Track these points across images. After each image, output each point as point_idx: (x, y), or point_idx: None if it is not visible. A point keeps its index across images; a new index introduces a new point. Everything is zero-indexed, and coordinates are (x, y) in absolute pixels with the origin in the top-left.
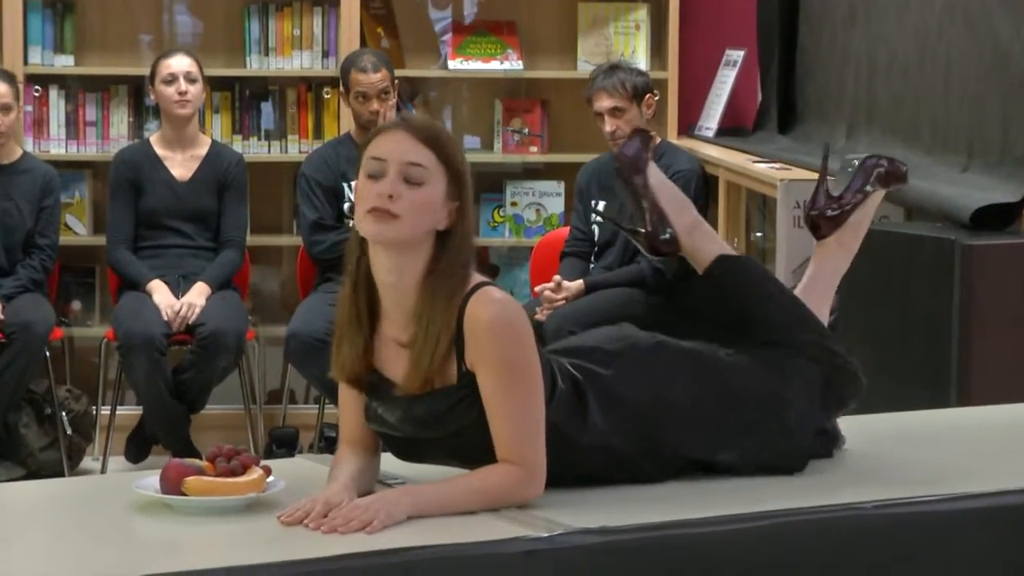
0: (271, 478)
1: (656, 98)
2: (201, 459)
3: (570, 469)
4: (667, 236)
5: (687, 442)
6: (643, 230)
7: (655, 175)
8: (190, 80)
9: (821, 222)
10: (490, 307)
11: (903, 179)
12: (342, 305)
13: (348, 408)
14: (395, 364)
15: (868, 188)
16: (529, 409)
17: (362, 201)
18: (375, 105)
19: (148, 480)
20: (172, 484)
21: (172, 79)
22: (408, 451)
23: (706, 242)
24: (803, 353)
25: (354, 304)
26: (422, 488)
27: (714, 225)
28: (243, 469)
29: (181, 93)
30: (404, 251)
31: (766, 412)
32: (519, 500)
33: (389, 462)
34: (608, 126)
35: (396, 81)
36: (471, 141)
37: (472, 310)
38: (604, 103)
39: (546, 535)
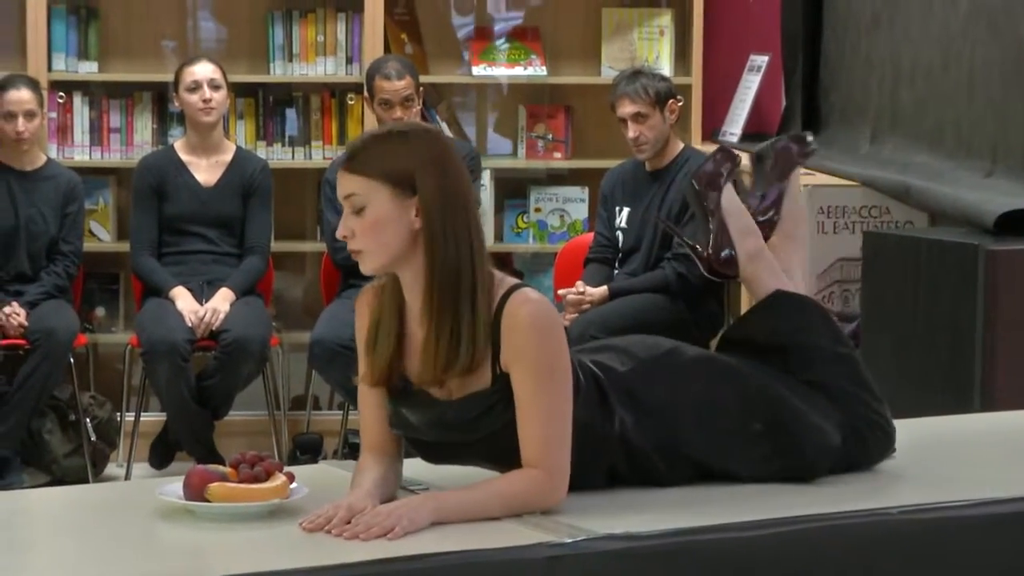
0: (294, 484)
1: (680, 103)
2: (225, 465)
3: (592, 466)
4: (728, 259)
5: (700, 444)
6: (705, 251)
7: (729, 196)
8: (214, 87)
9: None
10: (529, 306)
11: (810, 147)
12: (372, 311)
13: (369, 414)
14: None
15: (788, 169)
16: (560, 413)
17: None
18: (398, 112)
19: (171, 487)
20: (195, 490)
21: (196, 87)
22: (438, 455)
23: (766, 273)
24: (835, 398)
25: (386, 308)
26: (445, 495)
27: None
28: (266, 475)
29: (205, 101)
30: (398, 265)
31: (779, 431)
32: (542, 506)
33: (412, 468)
34: (631, 132)
35: (421, 88)
36: (503, 145)
37: (511, 310)
38: (627, 109)
39: (569, 541)
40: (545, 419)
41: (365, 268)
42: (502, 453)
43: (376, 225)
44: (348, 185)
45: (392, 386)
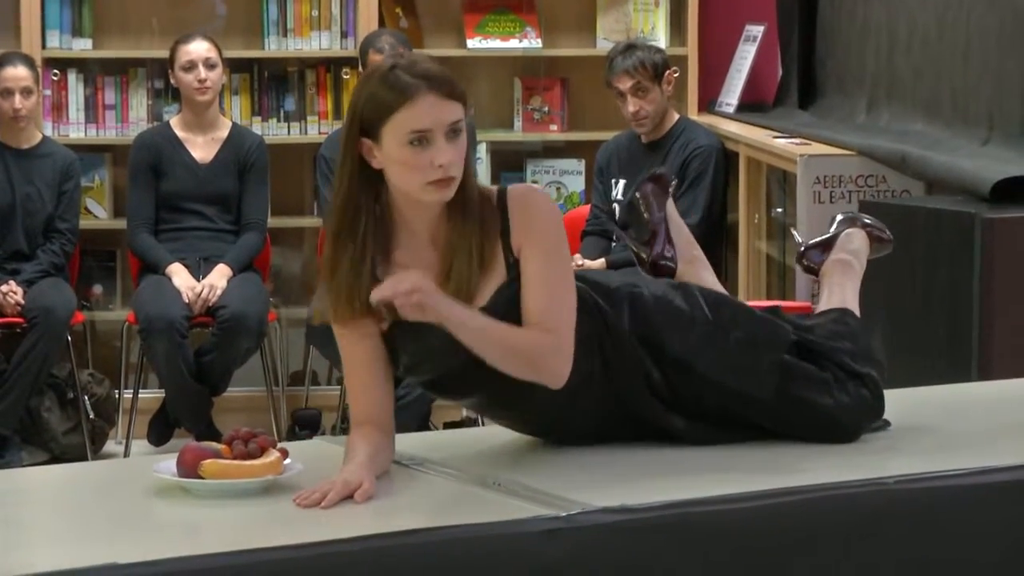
0: (288, 460)
1: (676, 74)
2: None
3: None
4: (668, 264)
5: (658, 323)
6: (648, 256)
7: (671, 209)
8: (209, 66)
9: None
10: (535, 192)
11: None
12: (340, 247)
13: (359, 388)
14: None
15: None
16: (568, 289)
17: (415, 171)
18: None
19: (166, 464)
20: (189, 467)
21: (191, 66)
22: (466, 383)
23: (704, 274)
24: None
25: (363, 241)
26: (456, 305)
27: (735, 201)
28: (260, 452)
29: (201, 81)
30: None
31: (725, 317)
32: (546, 366)
33: (407, 443)
34: (631, 106)
35: None
36: (499, 118)
37: (517, 196)
38: (627, 83)
39: (565, 514)
40: (557, 291)
41: (448, 195)
42: None
43: (464, 149)
44: (456, 111)
45: (399, 331)
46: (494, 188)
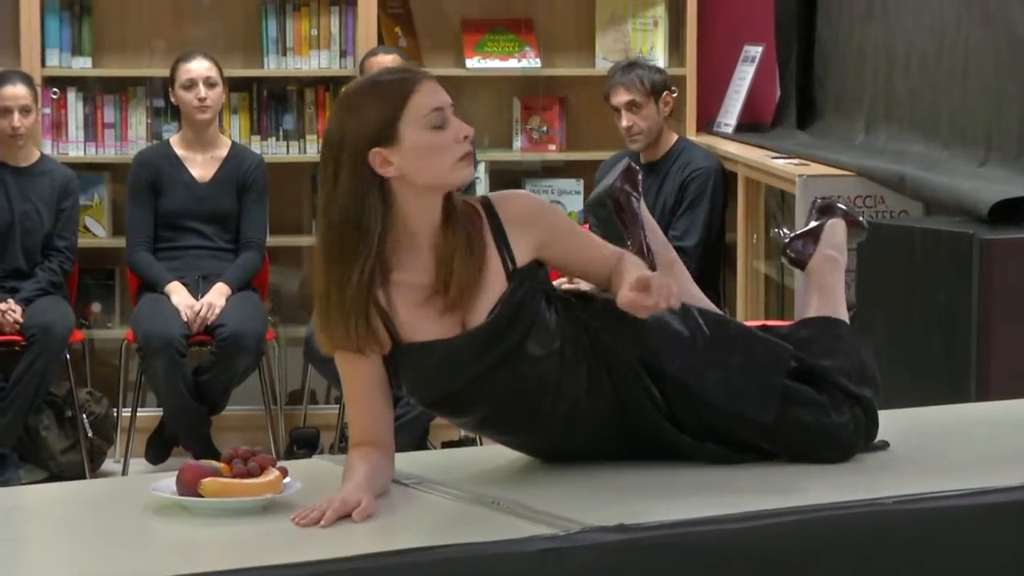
0: (287, 479)
1: (674, 96)
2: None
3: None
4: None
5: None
6: None
7: (645, 213)
8: (209, 85)
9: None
10: (520, 195)
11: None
12: (342, 273)
13: (358, 409)
14: (432, 316)
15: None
16: None
17: (443, 152)
18: None
19: (165, 482)
20: (188, 486)
21: (191, 84)
22: (460, 403)
23: (683, 281)
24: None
25: (367, 265)
26: None
27: (732, 222)
28: (260, 470)
29: (200, 100)
30: None
31: (726, 336)
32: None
33: (405, 461)
34: (624, 121)
35: None
36: (497, 138)
37: (507, 203)
38: (621, 97)
39: (562, 533)
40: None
41: (473, 174)
42: (547, 339)
43: None
44: (447, 95)
45: (401, 353)
46: (476, 197)
